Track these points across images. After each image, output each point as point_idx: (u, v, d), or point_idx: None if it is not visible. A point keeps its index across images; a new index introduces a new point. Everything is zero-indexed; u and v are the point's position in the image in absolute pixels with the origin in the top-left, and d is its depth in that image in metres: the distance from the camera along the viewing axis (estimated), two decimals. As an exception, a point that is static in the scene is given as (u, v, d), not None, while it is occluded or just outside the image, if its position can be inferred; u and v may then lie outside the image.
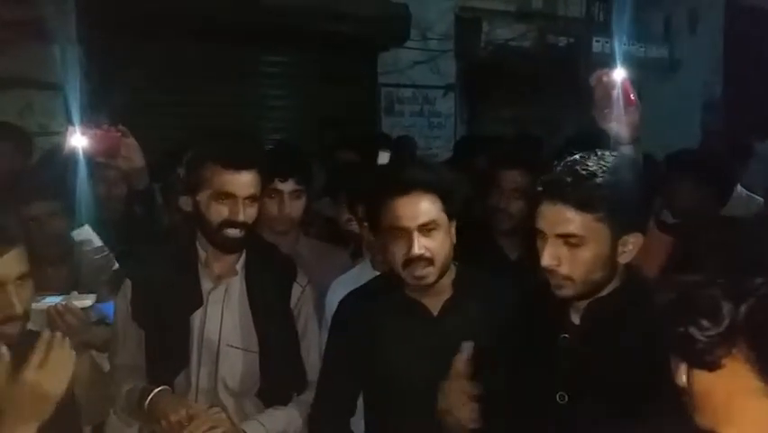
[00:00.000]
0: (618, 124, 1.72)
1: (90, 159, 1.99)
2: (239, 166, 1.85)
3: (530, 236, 2.40)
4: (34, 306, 1.61)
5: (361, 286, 1.92)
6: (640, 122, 1.72)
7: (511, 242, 2.45)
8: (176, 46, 5.14)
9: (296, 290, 2.00)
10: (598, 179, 1.38)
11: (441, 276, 1.72)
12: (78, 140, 1.94)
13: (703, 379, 0.86)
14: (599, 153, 1.45)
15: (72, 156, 1.95)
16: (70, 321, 1.68)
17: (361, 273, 2.15)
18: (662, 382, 0.95)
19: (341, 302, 1.91)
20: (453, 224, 1.74)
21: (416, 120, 6.58)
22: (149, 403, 1.79)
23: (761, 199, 3.28)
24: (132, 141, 2.07)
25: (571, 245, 1.40)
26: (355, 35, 5.55)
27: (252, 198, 1.87)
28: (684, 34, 7.00)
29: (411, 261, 1.68)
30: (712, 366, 0.84)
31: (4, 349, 1.40)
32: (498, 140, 4.92)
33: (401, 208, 1.67)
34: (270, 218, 2.28)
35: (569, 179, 1.40)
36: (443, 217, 1.69)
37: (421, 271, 1.68)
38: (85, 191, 2.01)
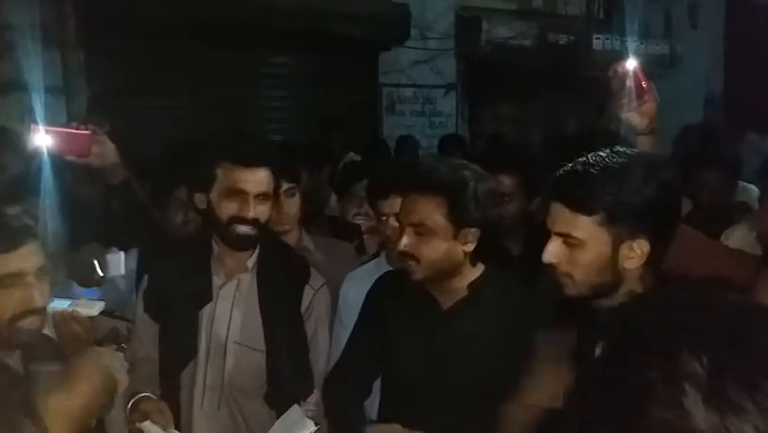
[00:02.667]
0: (635, 113, 1.73)
1: (60, 157, 1.95)
2: (250, 163, 1.86)
3: (531, 234, 2.46)
4: None
5: (395, 270, 1.92)
6: (656, 112, 1.74)
7: (513, 239, 2.46)
8: (177, 48, 5.16)
9: (308, 293, 1.99)
10: (597, 182, 1.36)
11: (436, 276, 1.71)
12: (45, 138, 1.89)
13: None
14: (613, 152, 1.41)
15: (41, 155, 1.91)
16: (75, 329, 1.65)
17: (377, 268, 2.16)
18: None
19: (376, 280, 1.93)
20: (470, 233, 1.68)
21: (418, 120, 6.60)
22: (130, 408, 1.80)
23: (756, 188, 3.31)
24: (103, 137, 2.05)
25: (570, 245, 1.40)
26: (356, 35, 5.56)
27: (264, 196, 1.88)
28: (685, 30, 7.01)
29: (400, 254, 1.72)
30: None
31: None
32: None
33: (403, 203, 1.73)
34: (271, 220, 2.29)
35: (569, 181, 1.39)
36: (442, 224, 1.66)
37: (408, 266, 1.70)
38: (59, 190, 1.97)
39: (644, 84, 1.71)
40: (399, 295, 1.79)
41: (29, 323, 1.43)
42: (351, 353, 1.89)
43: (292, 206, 2.33)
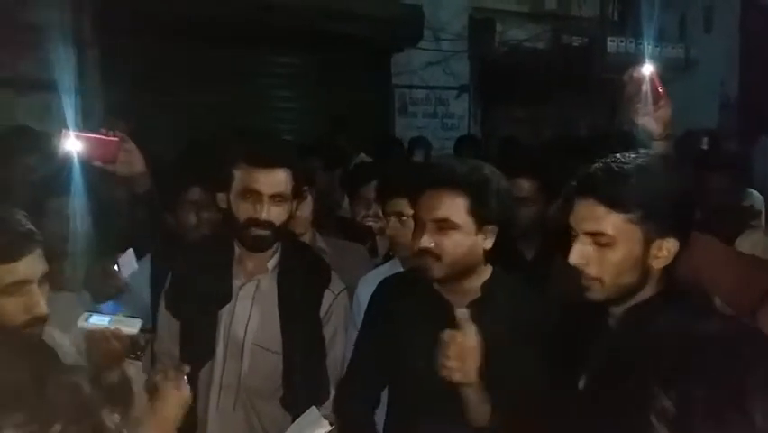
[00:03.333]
0: (650, 118, 1.73)
1: (88, 163, 1.94)
2: (265, 164, 1.85)
3: (545, 238, 2.45)
4: (80, 324, 1.61)
5: (400, 273, 1.91)
6: (671, 118, 1.74)
7: (527, 242, 2.46)
8: (188, 48, 5.18)
9: (327, 297, 1.98)
10: (633, 179, 1.34)
11: (454, 274, 1.70)
12: (75, 144, 1.89)
13: None
14: (639, 153, 1.42)
15: (70, 159, 1.90)
16: (114, 346, 1.63)
17: (391, 271, 2.15)
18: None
19: (379, 284, 1.91)
20: (489, 230, 1.68)
21: (430, 121, 6.59)
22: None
23: (760, 195, 3.29)
24: (131, 146, 2.04)
25: (601, 245, 1.36)
26: (368, 36, 5.57)
27: (280, 198, 1.86)
28: (700, 33, 6.96)
29: (420, 252, 1.69)
30: None
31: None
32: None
33: (423, 201, 1.70)
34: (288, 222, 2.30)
35: (603, 176, 1.37)
36: (465, 219, 1.65)
37: (427, 264, 1.68)
38: (85, 194, 1.98)
39: (659, 89, 1.71)
40: (408, 297, 1.78)
41: (35, 330, 1.42)
42: (360, 359, 1.88)
43: (305, 209, 2.33)
